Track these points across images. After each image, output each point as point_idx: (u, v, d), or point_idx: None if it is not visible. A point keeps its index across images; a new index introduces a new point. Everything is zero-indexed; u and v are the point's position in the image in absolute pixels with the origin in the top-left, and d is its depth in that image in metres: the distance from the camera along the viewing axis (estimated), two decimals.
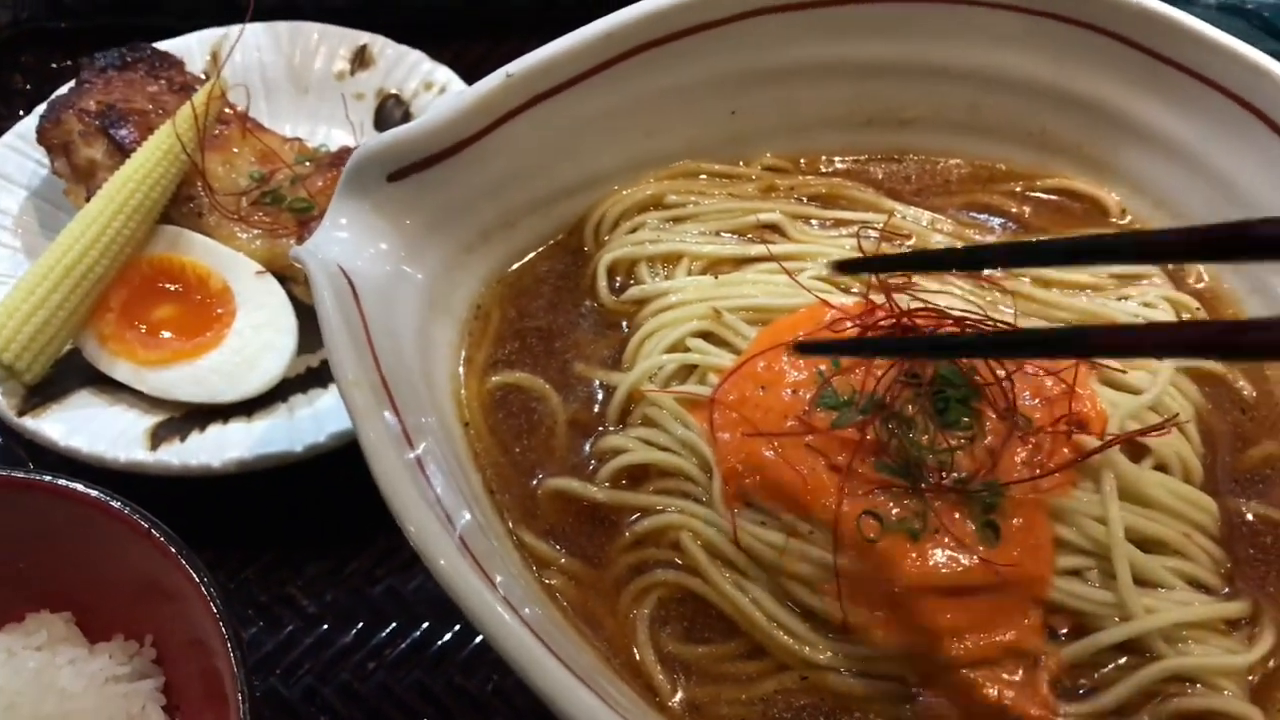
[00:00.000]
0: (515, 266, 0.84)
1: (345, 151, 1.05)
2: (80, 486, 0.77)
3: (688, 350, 0.77)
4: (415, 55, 1.15)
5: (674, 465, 0.73)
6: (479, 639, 0.89)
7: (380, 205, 0.76)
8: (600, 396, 0.78)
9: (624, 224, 0.85)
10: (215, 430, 0.92)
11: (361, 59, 1.16)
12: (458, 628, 0.90)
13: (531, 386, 0.79)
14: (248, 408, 0.94)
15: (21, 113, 1.21)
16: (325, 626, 0.90)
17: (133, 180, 0.95)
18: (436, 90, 1.13)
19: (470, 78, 1.15)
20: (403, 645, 0.89)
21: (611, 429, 0.76)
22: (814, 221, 0.86)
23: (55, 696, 0.76)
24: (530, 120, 0.80)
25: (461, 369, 0.79)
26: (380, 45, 1.16)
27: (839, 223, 0.85)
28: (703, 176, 0.88)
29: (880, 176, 0.90)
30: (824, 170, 0.91)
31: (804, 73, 0.88)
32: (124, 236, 0.94)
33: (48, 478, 0.78)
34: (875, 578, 0.67)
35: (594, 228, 0.85)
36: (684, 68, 0.84)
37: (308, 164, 1.04)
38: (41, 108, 1.09)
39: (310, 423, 0.92)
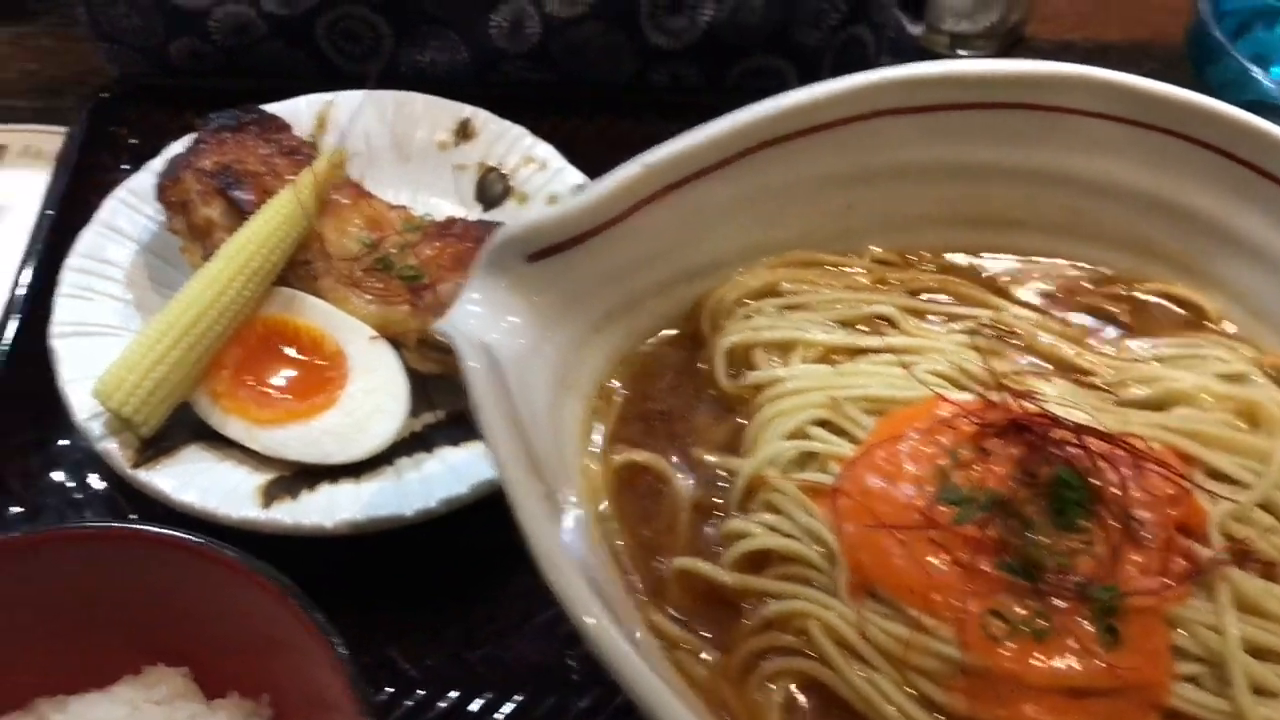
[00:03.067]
0: (637, 348, 0.87)
1: (451, 222, 1.09)
2: (200, 540, 0.79)
3: (807, 437, 0.80)
4: (517, 130, 1.19)
5: (798, 552, 0.75)
6: (578, 709, 0.90)
7: (517, 284, 0.79)
8: (722, 481, 0.80)
9: (740, 310, 0.88)
10: (326, 490, 0.94)
11: (464, 131, 1.20)
12: (554, 699, 0.92)
13: (657, 468, 0.81)
14: (356, 469, 0.96)
15: (126, 166, 1.25)
16: (423, 692, 0.92)
17: (253, 242, 0.98)
18: (537, 166, 1.17)
19: (566, 153, 1.19)
20: (501, 714, 0.91)
21: (735, 514, 0.78)
22: (925, 315, 0.89)
23: None
24: (661, 208, 0.83)
25: (588, 446, 0.81)
26: (483, 119, 1.20)
27: (953, 317, 0.88)
28: (815, 267, 0.91)
29: (986, 274, 0.93)
30: (930, 265, 0.94)
31: (912, 172, 0.91)
32: (243, 297, 0.97)
33: (164, 530, 0.80)
34: (1000, 676, 0.69)
35: (711, 313, 0.88)
36: (803, 164, 0.87)
37: (414, 232, 1.07)
38: (156, 164, 1.13)
39: (418, 487, 0.94)
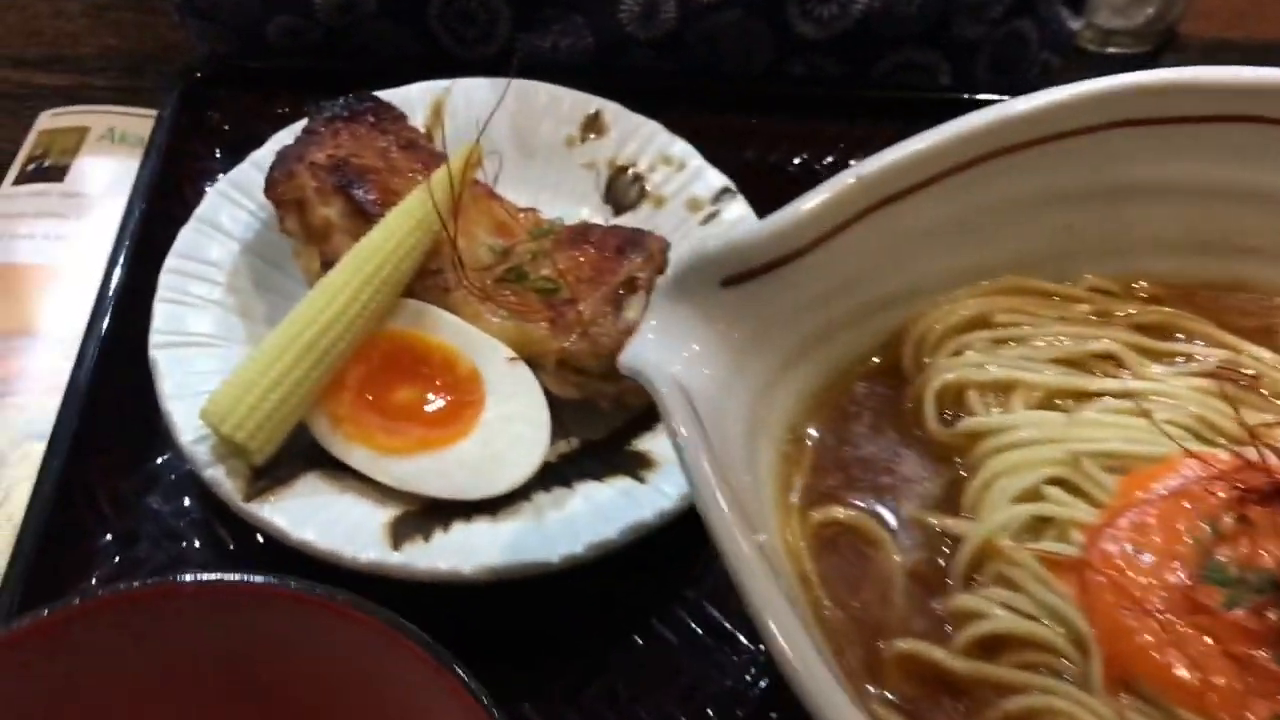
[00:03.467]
0: (829, 385, 0.76)
1: (586, 228, 0.98)
2: (347, 598, 0.69)
3: (1042, 498, 0.69)
4: (651, 126, 1.08)
5: (1041, 637, 0.65)
6: None
7: (710, 313, 0.69)
8: (941, 545, 0.70)
9: (947, 344, 0.77)
10: (460, 529, 0.84)
11: (593, 126, 1.09)
12: None
13: (863, 529, 0.70)
14: (491, 505, 0.86)
15: (219, 152, 1.15)
16: None
17: (382, 250, 0.87)
18: (675, 166, 1.06)
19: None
20: None
21: (960, 587, 0.68)
22: (1155, 355, 0.78)
23: None
24: (871, 226, 0.72)
25: (783, 500, 0.71)
26: (613, 113, 1.09)
27: (1186, 357, 0.77)
28: (1027, 295, 0.80)
29: (1213, 307, 0.82)
30: (1148, 294, 0.83)
31: (1140, 191, 0.80)
32: (369, 311, 0.87)
33: (292, 583, 0.70)
34: None
35: (915, 346, 0.77)
36: (1026, 179, 0.76)
37: (545, 238, 0.97)
38: (259, 155, 1.03)
39: (562, 529, 0.84)
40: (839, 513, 0.71)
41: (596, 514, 0.85)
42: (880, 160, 0.72)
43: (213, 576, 0.70)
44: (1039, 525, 0.69)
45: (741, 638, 0.88)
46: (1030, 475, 0.70)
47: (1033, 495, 0.69)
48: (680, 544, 0.89)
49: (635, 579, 0.90)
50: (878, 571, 0.70)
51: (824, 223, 0.70)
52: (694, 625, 0.89)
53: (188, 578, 0.70)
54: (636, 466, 0.89)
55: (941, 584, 0.69)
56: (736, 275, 0.69)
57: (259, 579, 0.70)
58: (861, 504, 0.72)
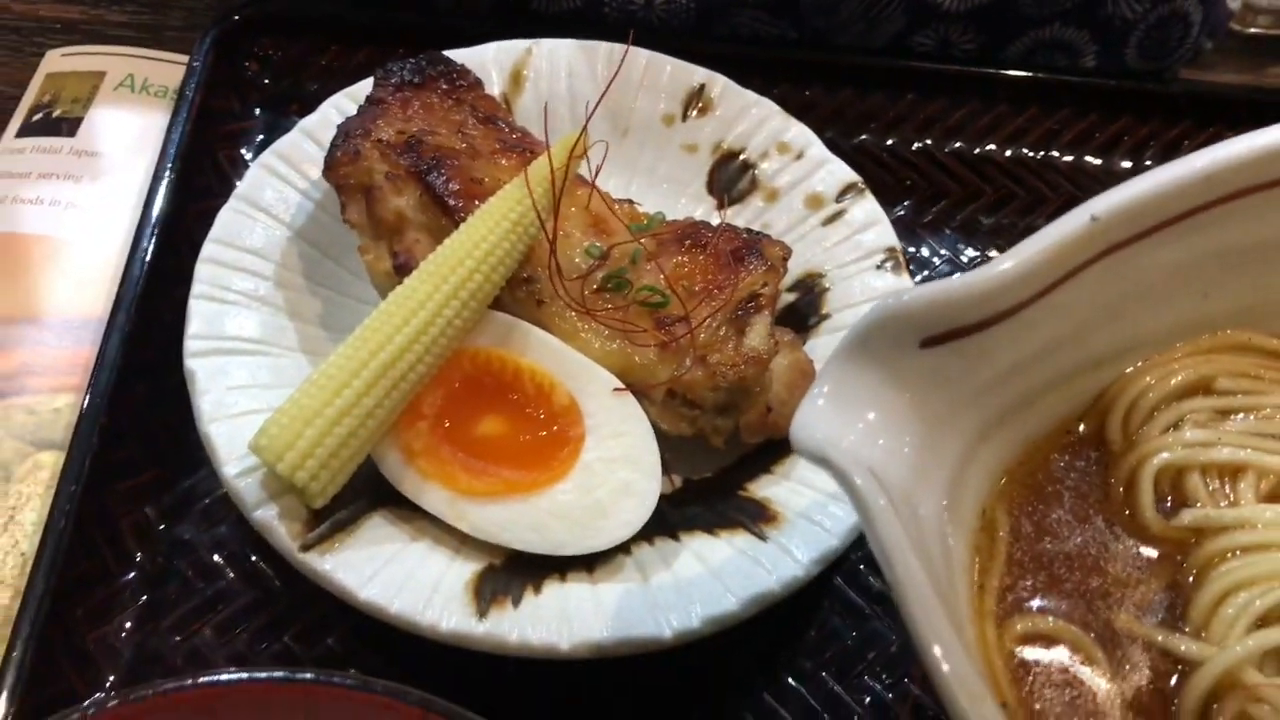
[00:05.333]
0: (1024, 459, 0.64)
1: (694, 227, 0.84)
2: (437, 705, 0.56)
3: None
4: (766, 106, 0.93)
5: None
6: None
7: (902, 378, 0.56)
8: (1168, 670, 0.58)
9: (1161, 415, 0.64)
10: (553, 591, 0.71)
11: (697, 102, 0.94)
12: None
13: (1073, 644, 0.58)
14: (588, 560, 0.74)
15: (257, 110, 1.00)
16: None
17: (473, 256, 0.73)
18: (793, 155, 0.91)
19: None
20: None
21: None
22: None
23: None
24: (1095, 274, 0.59)
25: (977, 604, 0.59)
26: (721, 87, 0.94)
27: None
28: (1251, 353, 0.67)
29: None
30: None
31: None
32: (455, 327, 0.73)
33: (379, 686, 0.58)
34: None
35: (1125, 415, 0.64)
36: (1272, 220, 0.63)
37: (647, 237, 0.82)
38: (310, 121, 0.89)
39: (673, 596, 0.72)
40: (1044, 624, 0.59)
41: (712, 579, 0.73)
42: (1118, 196, 0.58)
43: (280, 674, 0.58)
44: None
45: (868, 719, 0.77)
46: (1276, 590, 0.58)
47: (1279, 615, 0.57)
48: (795, 600, 0.77)
49: (744, 643, 0.78)
50: (1092, 701, 0.57)
51: (1053, 272, 0.57)
52: (812, 700, 0.77)
53: (259, 674, 0.57)
54: (756, 519, 0.76)
55: (1168, 717, 0.57)
56: (941, 335, 0.56)
57: (338, 679, 0.57)
58: (1067, 610, 0.60)
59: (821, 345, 0.84)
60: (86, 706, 0.56)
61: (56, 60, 1.03)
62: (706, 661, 0.77)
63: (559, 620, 0.70)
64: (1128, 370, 0.66)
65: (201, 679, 0.57)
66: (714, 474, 0.82)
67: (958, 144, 1.03)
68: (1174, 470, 0.63)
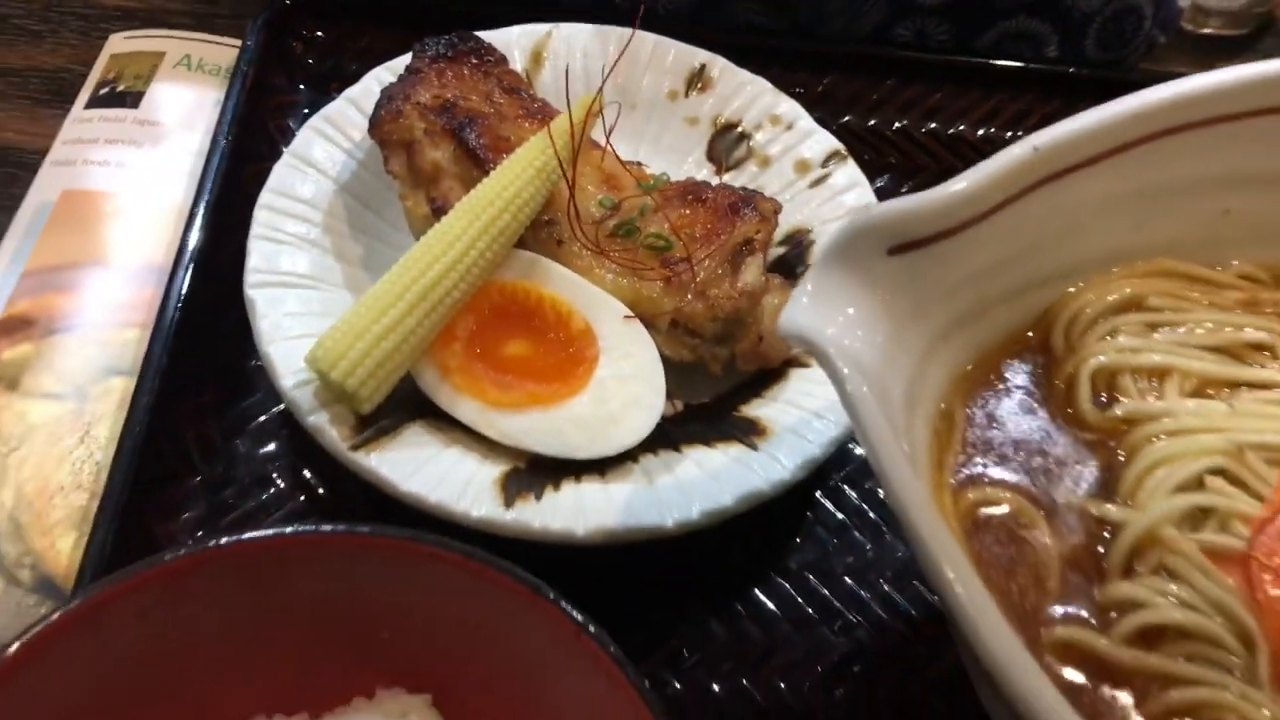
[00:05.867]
0: (980, 362, 0.74)
1: (696, 185, 0.94)
2: (468, 551, 0.66)
3: (1203, 489, 0.67)
4: (759, 84, 1.04)
5: (1206, 630, 0.63)
6: None
7: (873, 281, 0.66)
8: (1099, 532, 0.68)
9: (1101, 325, 0.75)
10: (570, 489, 0.81)
11: (698, 81, 1.05)
12: None
13: (1018, 511, 0.68)
14: (600, 465, 0.83)
15: (302, 86, 1.10)
16: None
17: (501, 198, 0.84)
18: (784, 126, 1.02)
19: None
20: None
21: (1119, 576, 0.66)
22: None
23: None
24: (1040, 199, 0.70)
25: (936, 477, 0.68)
26: (720, 67, 1.05)
27: None
28: (1178, 279, 0.78)
29: None
30: None
31: None
32: (485, 260, 0.83)
33: (418, 537, 0.68)
34: None
35: (1067, 326, 0.75)
36: (1194, 159, 0.74)
37: (653, 193, 0.93)
38: (354, 91, 0.99)
39: (675, 493, 0.81)
40: (993, 494, 0.69)
41: (709, 480, 0.83)
42: (1057, 131, 0.69)
43: (342, 527, 0.68)
44: (1199, 516, 0.67)
45: (847, 612, 0.86)
46: (1192, 465, 0.68)
47: (1194, 485, 0.67)
48: (782, 512, 0.87)
49: (736, 546, 0.88)
50: (1033, 556, 0.67)
51: (998, 193, 0.67)
52: (798, 597, 0.87)
53: (324, 527, 0.67)
54: (748, 433, 0.86)
55: (1099, 571, 0.67)
56: (904, 244, 0.66)
57: (393, 532, 0.67)
58: (1015, 485, 0.70)
59: None
60: (179, 549, 0.66)
61: (119, 43, 1.14)
62: (707, 559, 0.86)
63: (575, 512, 0.80)
64: (1070, 289, 0.76)
65: (274, 530, 0.67)
66: (711, 399, 0.92)
67: (933, 124, 1.14)
68: (1109, 372, 0.73)
